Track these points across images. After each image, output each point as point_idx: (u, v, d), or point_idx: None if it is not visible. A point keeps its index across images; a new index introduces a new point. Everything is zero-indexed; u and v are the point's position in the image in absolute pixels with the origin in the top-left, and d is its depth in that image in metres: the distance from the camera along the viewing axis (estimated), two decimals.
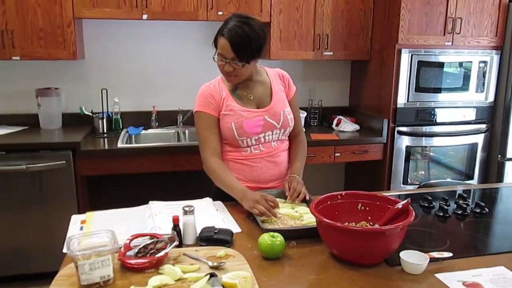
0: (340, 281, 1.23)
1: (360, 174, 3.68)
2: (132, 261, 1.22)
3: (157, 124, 3.34)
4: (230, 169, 1.84)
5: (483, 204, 1.77)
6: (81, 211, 2.61)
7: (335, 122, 3.45)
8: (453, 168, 3.48)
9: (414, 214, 1.30)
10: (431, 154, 3.40)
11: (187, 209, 1.42)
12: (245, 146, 1.85)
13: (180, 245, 1.39)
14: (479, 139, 3.42)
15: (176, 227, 1.40)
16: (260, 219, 1.55)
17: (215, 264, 1.24)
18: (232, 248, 1.37)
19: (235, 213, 1.68)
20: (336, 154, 3.16)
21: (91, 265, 1.11)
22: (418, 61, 3.14)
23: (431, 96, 3.24)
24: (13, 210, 2.70)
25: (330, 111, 3.66)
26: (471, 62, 3.26)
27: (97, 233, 1.25)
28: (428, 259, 1.26)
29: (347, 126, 3.39)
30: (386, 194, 1.59)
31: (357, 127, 3.41)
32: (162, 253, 1.24)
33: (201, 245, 1.40)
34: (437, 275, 1.25)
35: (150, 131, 3.28)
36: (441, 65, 3.20)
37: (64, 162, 2.68)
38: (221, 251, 1.32)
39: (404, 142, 3.25)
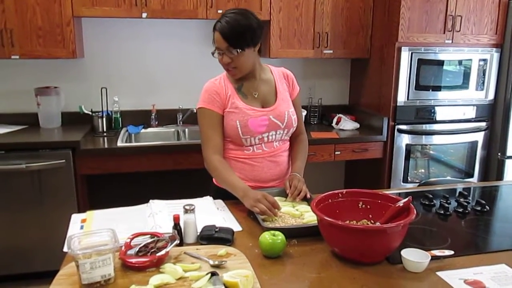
0: (341, 280, 1.22)
1: (360, 172, 3.68)
2: (133, 260, 1.22)
3: (156, 122, 3.33)
4: (231, 168, 1.84)
5: (483, 202, 1.76)
6: (81, 210, 2.61)
7: (335, 120, 3.45)
8: (453, 166, 3.48)
9: (415, 212, 1.30)
10: (431, 152, 3.40)
11: (187, 207, 1.41)
12: (248, 145, 1.85)
13: (181, 244, 1.39)
14: (479, 137, 3.42)
15: (176, 226, 1.40)
16: (261, 218, 1.55)
17: (216, 262, 1.24)
18: (233, 247, 1.37)
19: (236, 212, 1.68)
20: (336, 153, 3.16)
21: (92, 264, 1.11)
22: (418, 59, 3.13)
23: (431, 94, 3.23)
24: (13, 210, 2.70)
25: (330, 109, 3.66)
26: (471, 60, 3.26)
27: (97, 232, 1.24)
28: (430, 257, 1.26)
29: (347, 124, 3.39)
30: (386, 192, 1.58)
31: (357, 125, 3.41)
32: (163, 252, 1.24)
33: (202, 244, 1.40)
34: (438, 273, 1.25)
35: (149, 129, 3.28)
36: (441, 63, 3.20)
37: (63, 161, 2.68)
38: (222, 249, 1.32)
39: (404, 140, 3.25)
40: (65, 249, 1.30)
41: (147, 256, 1.23)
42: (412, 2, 3.03)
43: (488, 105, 3.39)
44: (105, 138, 2.99)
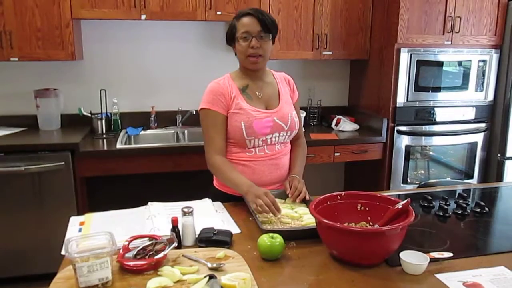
0: (340, 282, 1.22)
1: (359, 173, 3.67)
2: (131, 263, 1.21)
3: (156, 124, 3.33)
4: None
5: (483, 203, 1.76)
6: (80, 212, 2.60)
7: (334, 121, 3.45)
8: (453, 167, 3.48)
9: (414, 214, 1.30)
10: (430, 153, 3.40)
11: (186, 210, 1.41)
12: (250, 147, 1.85)
13: (179, 246, 1.39)
14: (479, 138, 3.41)
15: (175, 228, 1.39)
16: (260, 220, 1.54)
17: (214, 265, 1.24)
18: (231, 249, 1.36)
19: (235, 214, 1.68)
20: (336, 154, 3.16)
21: (89, 268, 1.11)
22: (417, 60, 3.13)
23: (430, 95, 3.23)
24: (12, 212, 2.69)
25: (329, 110, 3.65)
26: (470, 61, 3.26)
27: (95, 235, 1.24)
28: (428, 260, 1.25)
29: (347, 125, 3.38)
30: (385, 194, 1.58)
31: (356, 126, 3.41)
32: (161, 255, 1.23)
33: (200, 246, 1.39)
34: (437, 275, 1.24)
35: (149, 131, 3.28)
36: (440, 64, 3.20)
37: (63, 163, 2.68)
38: (220, 252, 1.32)
39: (403, 141, 3.25)
40: (63, 252, 1.30)
41: (145, 259, 1.23)
42: (411, 3, 3.03)
43: (487, 106, 3.39)
44: (105, 140, 2.99)
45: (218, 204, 1.78)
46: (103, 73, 3.26)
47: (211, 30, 3.38)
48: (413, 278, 1.24)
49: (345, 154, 3.18)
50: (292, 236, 1.44)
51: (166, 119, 3.37)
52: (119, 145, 2.84)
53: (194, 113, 3.27)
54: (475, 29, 3.21)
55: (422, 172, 3.41)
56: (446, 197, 1.83)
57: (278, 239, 1.33)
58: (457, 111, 3.33)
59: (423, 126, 3.27)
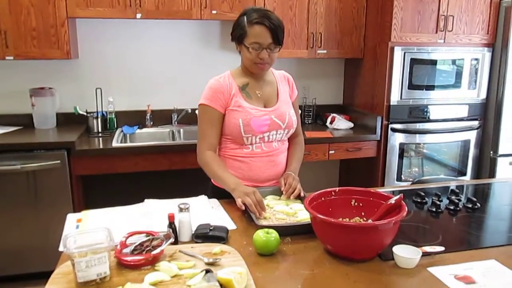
0: (334, 276, 1.24)
1: (354, 171, 3.71)
2: (129, 258, 1.23)
3: (151, 123, 3.34)
4: (228, 166, 1.87)
5: (475, 199, 1.79)
6: (76, 210, 2.61)
7: (329, 120, 3.47)
8: (446, 165, 3.51)
9: (406, 210, 1.32)
10: (424, 151, 3.43)
11: (182, 206, 1.43)
12: (248, 144, 1.87)
13: (176, 242, 1.40)
14: (472, 135, 3.45)
15: (171, 224, 1.41)
16: (255, 216, 1.56)
17: (211, 260, 1.25)
18: (227, 245, 1.38)
19: (231, 211, 1.69)
20: (330, 152, 3.19)
21: (87, 263, 1.12)
22: (411, 59, 3.16)
23: (424, 94, 3.26)
24: (8, 210, 2.70)
25: (324, 109, 3.68)
26: (463, 59, 3.30)
27: (93, 231, 1.26)
28: (421, 254, 1.28)
29: (341, 123, 3.41)
30: (379, 190, 1.60)
31: (351, 124, 3.44)
32: (158, 250, 1.25)
33: (196, 242, 1.41)
34: (429, 269, 1.27)
35: (144, 130, 3.29)
36: (433, 62, 3.23)
37: (59, 162, 2.69)
38: (216, 247, 1.33)
39: (397, 139, 3.28)
40: (60, 248, 1.31)
41: (142, 254, 1.25)
42: (405, 2, 3.07)
43: (480, 104, 3.43)
44: (100, 139, 3.00)
45: (214, 201, 1.80)
46: (99, 71, 3.27)
47: (206, 28, 3.39)
48: (406, 272, 1.26)
49: (340, 152, 3.21)
50: (287, 231, 1.46)
51: (161, 117, 3.39)
52: (115, 144, 2.85)
53: (190, 111, 3.29)
54: (468, 27, 3.25)
55: (416, 169, 3.45)
56: (439, 193, 1.86)
57: (274, 234, 1.35)
58: (450, 109, 3.36)
59: (417, 124, 3.30)
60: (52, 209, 2.70)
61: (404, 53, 3.14)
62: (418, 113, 3.29)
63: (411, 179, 3.34)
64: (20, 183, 2.68)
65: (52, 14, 2.79)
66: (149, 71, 3.36)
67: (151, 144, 2.89)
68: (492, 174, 3.43)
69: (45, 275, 1.23)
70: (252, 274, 1.20)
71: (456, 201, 1.78)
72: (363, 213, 1.48)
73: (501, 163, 3.41)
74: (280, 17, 1.81)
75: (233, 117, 1.83)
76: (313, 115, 3.65)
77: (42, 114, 3.10)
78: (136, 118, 3.35)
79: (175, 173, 3.03)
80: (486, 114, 3.45)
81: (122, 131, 3.19)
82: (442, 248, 1.34)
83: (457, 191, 1.90)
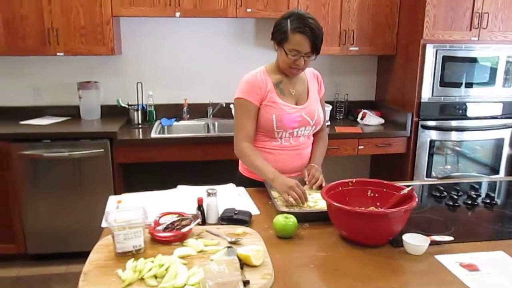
0: (346, 258, 1.35)
1: (385, 166, 3.74)
2: (161, 234, 1.38)
3: (188, 116, 3.51)
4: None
5: (493, 195, 1.83)
6: (117, 194, 2.79)
7: (360, 115, 3.53)
8: (479, 162, 3.48)
9: (416, 200, 1.40)
10: (455, 148, 3.42)
11: (210, 191, 1.57)
12: (278, 137, 1.97)
13: (203, 223, 1.55)
14: (506, 134, 3.41)
15: (200, 207, 1.56)
16: (278, 203, 1.67)
17: (233, 239, 1.39)
18: (250, 228, 1.51)
19: (256, 198, 1.82)
20: (360, 147, 3.25)
21: (125, 235, 1.29)
22: (443, 56, 3.16)
23: (456, 91, 3.25)
24: (56, 193, 2.94)
25: (356, 105, 3.73)
26: (498, 57, 3.26)
27: (130, 210, 1.42)
28: (429, 241, 1.36)
29: (372, 119, 3.45)
30: (402, 184, 1.63)
31: (381, 120, 3.48)
32: (186, 229, 1.40)
33: (222, 224, 1.55)
34: (436, 256, 1.35)
35: (181, 122, 3.46)
36: (466, 60, 3.21)
37: (102, 150, 2.90)
38: (239, 229, 1.47)
39: (428, 136, 3.29)
40: (103, 224, 1.49)
41: (173, 231, 1.40)
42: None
43: None
44: (140, 130, 3.20)
45: (241, 188, 1.93)
46: (140, 67, 3.47)
47: (241, 26, 3.52)
48: (414, 258, 1.35)
49: (369, 147, 3.26)
50: (305, 217, 1.57)
51: (197, 111, 3.55)
52: (153, 135, 3.04)
53: (224, 105, 3.43)
54: (504, 25, 3.20)
55: (448, 167, 3.43)
56: (458, 189, 1.90)
57: (292, 219, 1.47)
58: (483, 107, 3.33)
59: (448, 121, 3.30)
60: (95, 193, 2.92)
61: (436, 50, 3.15)
62: (450, 111, 3.28)
63: (441, 176, 3.34)
64: (67, 169, 2.91)
65: (98, 13, 3.01)
66: (186, 66, 3.53)
67: (187, 136, 3.07)
68: None
69: (86, 255, 1.33)
70: (270, 254, 1.32)
71: (474, 196, 1.82)
72: (378, 203, 1.57)
73: None
74: (318, 22, 1.85)
75: (267, 112, 1.92)
76: (345, 111, 3.70)
77: (88, 106, 3.34)
78: (174, 111, 3.53)
79: (208, 163, 3.17)
80: None
81: (160, 123, 3.38)
82: (450, 238, 1.42)
83: (477, 187, 1.94)
